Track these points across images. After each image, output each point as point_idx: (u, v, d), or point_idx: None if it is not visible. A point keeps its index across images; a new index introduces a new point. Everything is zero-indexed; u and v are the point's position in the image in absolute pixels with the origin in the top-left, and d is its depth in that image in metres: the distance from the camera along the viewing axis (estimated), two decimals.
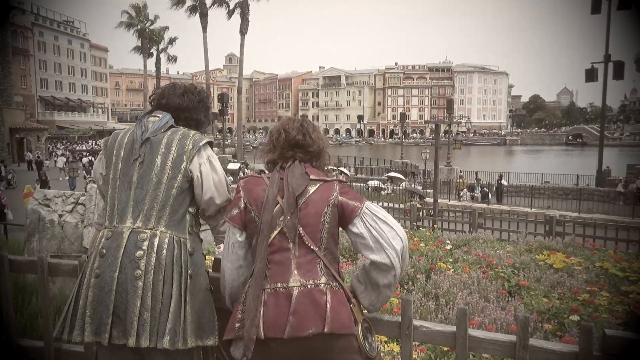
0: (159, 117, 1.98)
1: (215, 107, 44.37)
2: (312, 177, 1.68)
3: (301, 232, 1.60)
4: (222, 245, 5.81)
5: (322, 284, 1.57)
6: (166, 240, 1.80)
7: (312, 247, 1.60)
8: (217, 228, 2.02)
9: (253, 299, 1.55)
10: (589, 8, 23.87)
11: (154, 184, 1.84)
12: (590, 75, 24.73)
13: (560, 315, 3.50)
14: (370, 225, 1.61)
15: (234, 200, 1.74)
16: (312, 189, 1.65)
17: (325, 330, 1.49)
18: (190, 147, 1.89)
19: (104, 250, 1.79)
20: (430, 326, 1.60)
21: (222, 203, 1.94)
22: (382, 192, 21.65)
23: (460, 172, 27.39)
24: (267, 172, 1.80)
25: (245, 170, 27.55)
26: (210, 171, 1.91)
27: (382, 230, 1.60)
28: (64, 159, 33.68)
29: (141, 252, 1.77)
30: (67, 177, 25.34)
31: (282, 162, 1.75)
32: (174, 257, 1.80)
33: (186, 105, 2.03)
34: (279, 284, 1.57)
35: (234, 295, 1.77)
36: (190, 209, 1.92)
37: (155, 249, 1.78)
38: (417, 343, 1.85)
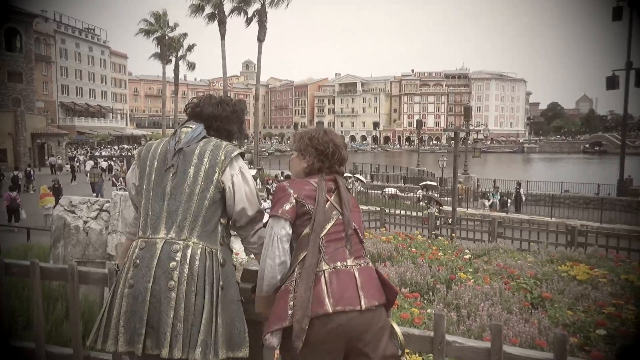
0: (192, 127, 1.99)
1: None
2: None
3: (355, 227, 1.82)
4: (240, 253, 5.71)
5: (369, 262, 1.81)
6: (198, 251, 1.81)
7: (360, 235, 1.83)
8: (248, 239, 2.01)
9: (305, 290, 1.63)
10: (609, 15, 23.59)
11: (187, 194, 1.86)
12: (612, 83, 24.38)
13: (585, 329, 3.43)
14: None
15: (282, 198, 1.78)
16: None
17: (384, 301, 1.74)
18: (223, 157, 1.90)
19: (138, 261, 1.81)
20: (464, 342, 1.58)
21: (253, 214, 1.95)
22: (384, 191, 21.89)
23: (461, 179, 27.15)
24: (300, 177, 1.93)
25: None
26: (242, 182, 1.92)
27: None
28: (92, 163, 34.37)
29: (174, 264, 1.78)
30: (88, 182, 25.70)
31: (326, 172, 1.88)
32: (205, 268, 1.81)
33: (219, 114, 2.04)
34: (339, 263, 1.72)
35: (270, 292, 1.80)
36: (222, 220, 1.92)
37: (188, 260, 1.79)
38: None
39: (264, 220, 2.00)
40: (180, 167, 1.89)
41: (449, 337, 1.60)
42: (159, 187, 1.90)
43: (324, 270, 1.68)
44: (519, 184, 23.41)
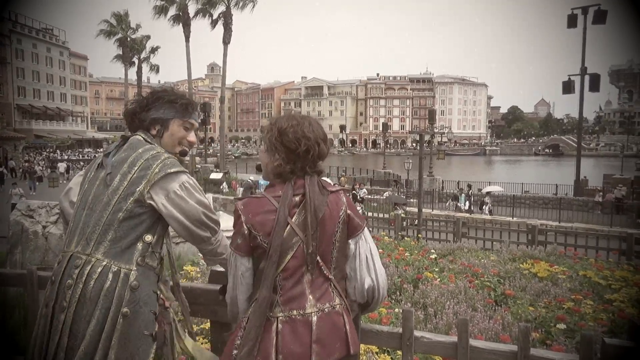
0: (136, 135, 1.80)
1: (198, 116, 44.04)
2: (328, 188, 1.56)
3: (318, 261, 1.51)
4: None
5: (337, 305, 1.51)
6: (99, 269, 1.58)
7: (324, 270, 1.52)
8: (212, 253, 1.80)
9: (254, 327, 1.43)
10: (565, 22, 24.51)
11: (104, 204, 1.64)
12: (568, 87, 25.30)
13: (546, 324, 3.55)
14: (364, 245, 1.59)
15: (235, 226, 1.53)
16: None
17: (351, 352, 1.48)
18: (157, 170, 1.65)
19: (53, 277, 1.66)
20: (432, 337, 1.60)
21: (204, 235, 1.73)
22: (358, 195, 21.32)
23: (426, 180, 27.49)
24: (263, 181, 1.71)
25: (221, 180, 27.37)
26: (183, 203, 1.66)
27: (373, 253, 1.60)
28: (65, 165, 33.23)
29: (70, 282, 1.58)
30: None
31: (298, 175, 1.55)
32: (103, 290, 1.56)
33: (134, 108, 1.82)
34: (295, 310, 1.46)
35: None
36: (147, 238, 1.66)
37: (84, 278, 1.57)
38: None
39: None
40: (109, 176, 1.68)
41: (417, 333, 1.62)
42: (84, 195, 1.72)
43: (277, 317, 1.45)
44: (469, 186, 23.88)
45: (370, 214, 14.24)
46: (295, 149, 1.53)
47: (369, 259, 1.58)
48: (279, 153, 1.55)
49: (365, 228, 1.63)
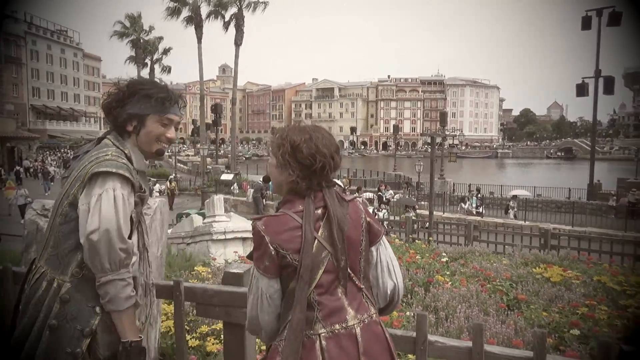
0: (108, 136, 1.73)
1: (209, 117, 44.34)
2: (345, 199, 1.53)
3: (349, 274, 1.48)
4: (217, 258, 5.59)
5: (374, 314, 1.49)
6: (36, 277, 1.54)
7: (355, 280, 1.48)
8: (101, 283, 1.51)
9: (292, 353, 1.36)
10: (579, 24, 24.27)
11: (54, 208, 1.59)
12: (581, 90, 25.03)
13: (560, 330, 3.51)
14: (384, 251, 1.59)
15: (259, 248, 1.44)
16: None
17: None
18: (89, 168, 1.55)
19: None
20: (446, 341, 1.59)
21: (98, 264, 1.50)
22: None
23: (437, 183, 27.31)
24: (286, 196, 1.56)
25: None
26: (87, 214, 1.50)
27: (392, 257, 1.60)
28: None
29: (26, 287, 1.57)
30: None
31: (315, 189, 1.50)
32: (34, 298, 1.51)
33: (105, 103, 1.73)
34: (337, 325, 1.41)
35: (274, 339, 1.53)
36: None
37: (26, 285, 1.56)
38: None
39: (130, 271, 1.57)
40: (65, 179, 1.63)
41: (431, 337, 1.61)
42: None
43: (319, 334, 1.39)
44: (478, 189, 23.64)
45: (380, 215, 14.21)
46: (311, 166, 1.46)
47: (390, 264, 1.58)
48: (294, 170, 1.48)
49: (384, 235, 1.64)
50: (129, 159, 1.65)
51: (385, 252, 1.57)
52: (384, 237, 1.60)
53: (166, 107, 1.72)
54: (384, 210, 16.48)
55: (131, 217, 1.62)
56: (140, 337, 1.56)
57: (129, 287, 1.53)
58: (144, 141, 1.71)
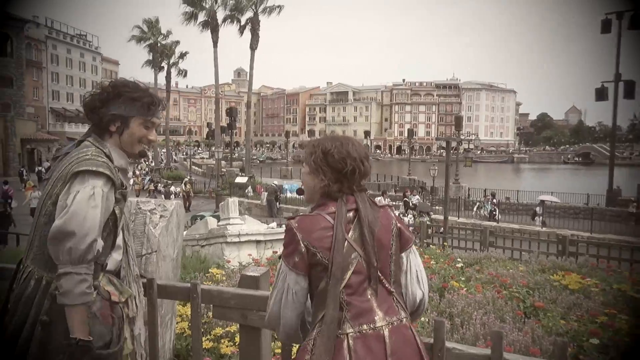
0: (88, 138, 1.76)
1: (224, 121, 44.71)
2: (377, 204, 1.57)
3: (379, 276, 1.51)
4: (231, 261, 5.61)
5: (404, 318, 1.50)
6: (25, 276, 1.58)
7: (385, 283, 1.50)
8: (57, 274, 1.52)
9: (326, 351, 1.38)
10: (598, 27, 23.96)
11: (38, 209, 1.63)
12: (601, 94, 24.70)
13: (579, 338, 3.44)
14: (414, 259, 1.61)
15: (290, 245, 1.49)
16: None
17: None
18: (70, 168, 1.59)
19: None
20: (463, 348, 1.57)
21: (55, 253, 1.52)
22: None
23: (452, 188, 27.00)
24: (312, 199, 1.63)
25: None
26: (74, 202, 1.52)
27: (421, 267, 1.62)
28: None
29: (15, 286, 1.62)
30: None
31: (347, 193, 1.55)
32: (23, 296, 1.55)
33: (87, 102, 1.77)
34: (365, 325, 1.43)
35: (291, 337, 1.60)
36: None
37: (15, 285, 1.60)
38: None
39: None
40: (47, 180, 1.67)
41: (448, 344, 1.59)
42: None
43: (347, 334, 1.41)
44: (492, 194, 23.25)
45: None
46: (342, 169, 1.53)
47: (419, 273, 1.60)
48: (325, 174, 1.54)
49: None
50: (109, 157, 1.69)
51: (415, 260, 1.60)
52: (414, 245, 1.62)
53: (150, 111, 1.78)
54: (410, 216, 16.22)
55: (114, 212, 1.66)
56: (90, 338, 1.55)
57: (84, 284, 1.52)
58: (127, 142, 1.76)
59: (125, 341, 1.74)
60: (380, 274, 1.49)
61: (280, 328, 1.54)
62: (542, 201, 21.63)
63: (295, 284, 1.49)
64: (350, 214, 1.51)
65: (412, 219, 15.76)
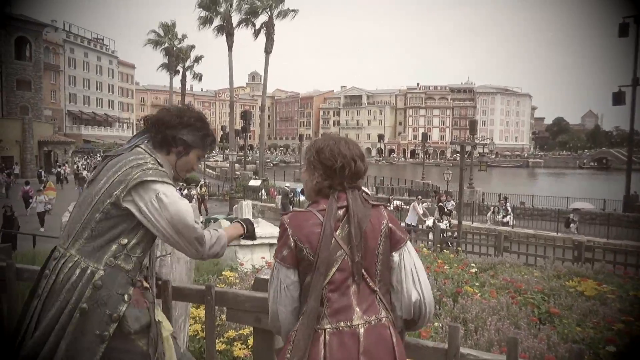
0: (141, 145, 1.87)
1: (238, 124, 44.92)
2: (370, 202, 1.61)
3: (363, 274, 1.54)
4: (245, 264, 5.67)
5: (384, 318, 1.53)
6: (70, 264, 1.67)
7: (369, 282, 1.54)
8: (203, 256, 1.80)
9: (303, 339, 1.46)
10: (616, 31, 23.65)
11: (87, 204, 1.73)
12: (618, 99, 24.37)
13: (595, 346, 3.40)
14: (409, 259, 1.60)
15: (281, 239, 1.56)
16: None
17: None
18: (135, 177, 1.70)
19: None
20: (478, 355, 1.56)
21: (186, 245, 1.74)
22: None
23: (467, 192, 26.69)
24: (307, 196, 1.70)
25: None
26: (156, 214, 1.69)
27: (419, 268, 1.61)
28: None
29: (47, 272, 1.72)
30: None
31: (339, 190, 1.60)
32: (68, 283, 1.65)
33: (168, 120, 1.87)
34: (342, 322, 1.48)
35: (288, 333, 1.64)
36: (122, 241, 1.71)
37: (57, 271, 1.68)
38: None
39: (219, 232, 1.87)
40: (98, 176, 1.77)
41: (463, 350, 1.58)
42: (81, 194, 1.83)
43: (325, 329, 1.48)
44: (505, 198, 22.77)
45: (403, 224, 14.06)
46: (332, 166, 1.58)
47: (414, 273, 1.59)
48: (317, 171, 1.61)
49: (409, 242, 1.64)
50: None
51: (409, 260, 1.60)
52: (409, 245, 1.63)
53: (210, 147, 1.99)
54: (445, 222, 15.63)
55: None
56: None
57: (222, 240, 1.86)
58: (181, 167, 1.91)
59: (160, 324, 1.86)
60: (365, 272, 1.53)
61: (279, 324, 1.59)
62: (577, 209, 21.09)
63: (286, 278, 1.54)
64: (341, 212, 1.56)
65: (448, 225, 15.16)
